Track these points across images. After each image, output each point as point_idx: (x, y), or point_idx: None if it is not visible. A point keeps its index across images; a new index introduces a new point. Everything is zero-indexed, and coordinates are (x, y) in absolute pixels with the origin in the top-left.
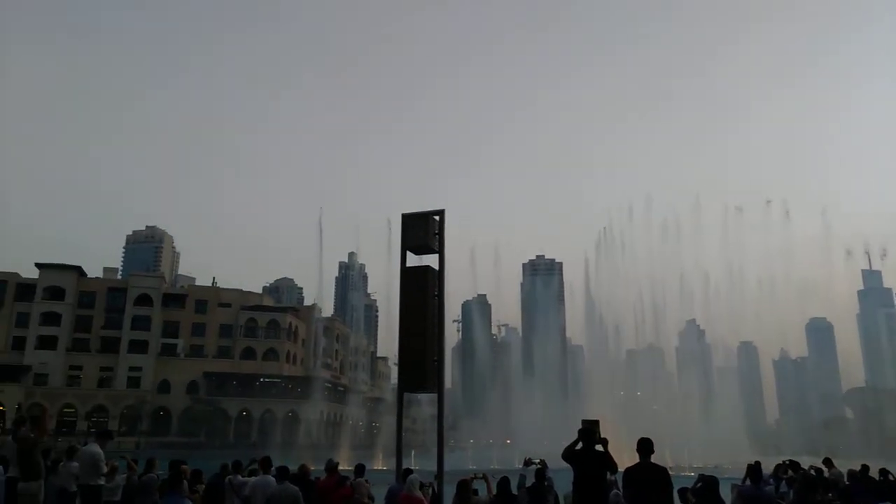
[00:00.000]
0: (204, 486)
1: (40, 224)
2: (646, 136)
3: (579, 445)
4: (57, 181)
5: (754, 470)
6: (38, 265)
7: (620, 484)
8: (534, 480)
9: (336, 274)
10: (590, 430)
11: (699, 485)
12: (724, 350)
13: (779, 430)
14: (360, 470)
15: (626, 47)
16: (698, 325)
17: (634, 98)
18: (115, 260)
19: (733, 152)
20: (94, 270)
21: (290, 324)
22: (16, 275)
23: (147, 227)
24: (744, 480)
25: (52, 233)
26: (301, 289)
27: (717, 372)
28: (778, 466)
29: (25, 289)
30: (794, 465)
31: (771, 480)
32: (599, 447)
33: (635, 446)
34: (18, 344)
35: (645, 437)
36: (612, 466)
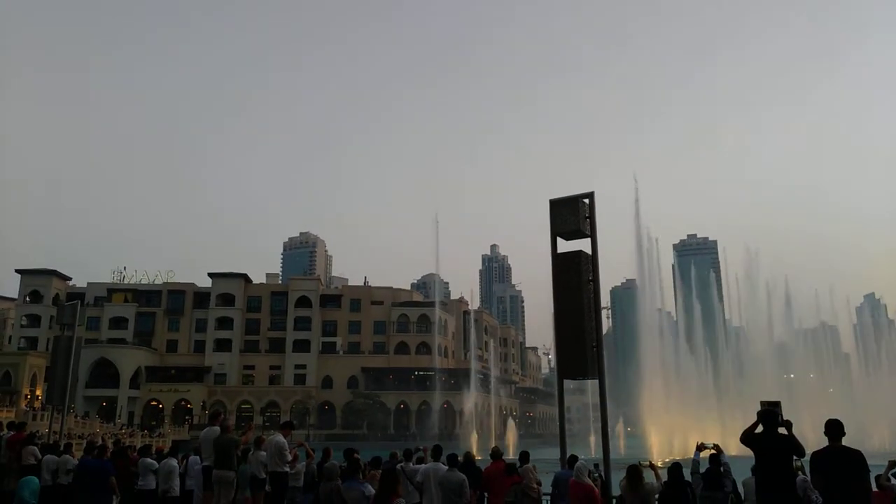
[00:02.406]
0: (380, 472)
1: (210, 236)
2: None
3: (759, 428)
4: (220, 197)
5: None
6: (210, 275)
7: (807, 469)
8: (708, 465)
9: (480, 267)
10: (771, 412)
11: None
12: None
13: None
14: (525, 457)
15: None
16: (878, 299)
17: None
18: (275, 266)
19: None
20: (257, 276)
21: (440, 317)
22: (192, 285)
23: (301, 233)
24: None
25: (219, 244)
26: (447, 283)
27: None
28: None
29: (202, 297)
30: None
31: None
32: (783, 430)
33: (821, 430)
34: (199, 347)
35: (834, 418)
36: (800, 450)
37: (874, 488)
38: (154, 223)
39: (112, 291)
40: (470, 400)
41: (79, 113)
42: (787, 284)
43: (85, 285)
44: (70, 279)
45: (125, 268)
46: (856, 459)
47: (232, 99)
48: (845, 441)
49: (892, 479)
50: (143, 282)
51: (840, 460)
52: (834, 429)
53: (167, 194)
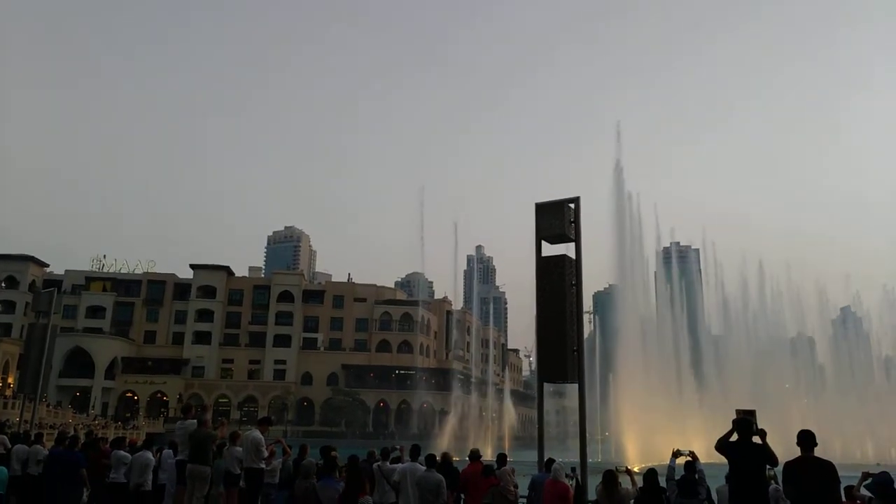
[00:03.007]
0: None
1: (192, 228)
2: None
3: (734, 437)
4: (204, 189)
5: None
6: (192, 266)
7: (780, 479)
8: (683, 472)
9: (464, 267)
10: (746, 421)
11: (869, 481)
12: (888, 338)
13: None
14: (502, 459)
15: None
16: (854, 312)
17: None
18: (258, 259)
19: None
20: (240, 270)
21: (423, 317)
22: (173, 276)
23: (286, 227)
24: None
25: (202, 236)
26: (431, 282)
27: (876, 361)
28: None
29: (182, 288)
30: None
31: None
32: (757, 439)
33: (788, 440)
34: (177, 339)
35: (806, 429)
36: (773, 460)
37: (844, 499)
38: (136, 213)
39: (90, 280)
40: (450, 400)
41: (67, 103)
42: (765, 294)
43: (63, 272)
44: (48, 266)
45: (105, 256)
46: (827, 470)
47: (217, 94)
48: (818, 452)
49: (863, 489)
50: (122, 271)
51: (812, 471)
52: (806, 439)
53: (150, 185)
